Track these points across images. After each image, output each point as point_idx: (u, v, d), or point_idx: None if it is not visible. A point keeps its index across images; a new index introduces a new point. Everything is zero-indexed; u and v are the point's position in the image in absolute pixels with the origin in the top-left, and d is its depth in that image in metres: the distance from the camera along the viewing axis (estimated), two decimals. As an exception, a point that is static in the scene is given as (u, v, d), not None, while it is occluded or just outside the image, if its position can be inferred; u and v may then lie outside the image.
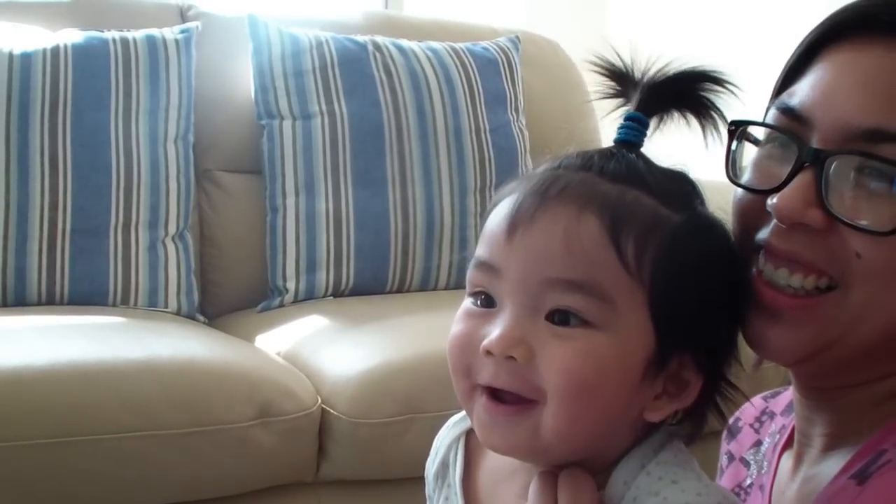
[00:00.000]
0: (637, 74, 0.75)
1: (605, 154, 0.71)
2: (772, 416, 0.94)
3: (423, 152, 2.07)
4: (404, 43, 2.15)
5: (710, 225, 0.74)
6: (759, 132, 0.80)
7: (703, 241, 0.71)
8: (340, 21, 2.23)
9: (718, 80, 0.75)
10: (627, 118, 0.74)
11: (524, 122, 2.22)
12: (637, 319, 0.68)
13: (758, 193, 0.76)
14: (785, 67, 0.80)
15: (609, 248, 0.67)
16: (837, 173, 0.72)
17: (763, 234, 0.76)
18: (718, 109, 0.76)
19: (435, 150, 2.08)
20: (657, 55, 0.76)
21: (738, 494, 0.91)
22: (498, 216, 0.70)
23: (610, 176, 0.69)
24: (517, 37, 2.30)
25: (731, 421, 0.97)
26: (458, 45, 2.19)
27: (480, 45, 2.23)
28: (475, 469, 0.79)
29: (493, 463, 0.77)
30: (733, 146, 0.79)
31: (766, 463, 0.90)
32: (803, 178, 0.72)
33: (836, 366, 0.76)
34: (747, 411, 0.96)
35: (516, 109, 2.22)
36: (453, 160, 2.09)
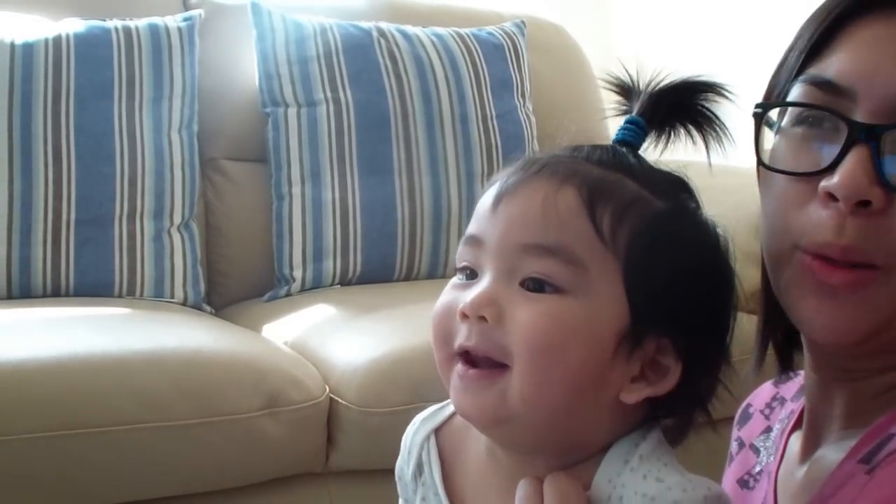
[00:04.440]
0: (641, 86, 0.76)
1: (597, 146, 0.73)
2: (782, 401, 0.93)
3: (429, 139, 2.06)
4: (409, 29, 2.14)
5: (696, 217, 0.73)
6: (777, 117, 0.76)
7: (685, 227, 0.71)
8: (344, 7, 2.22)
9: (718, 90, 0.75)
10: (627, 122, 0.75)
11: (531, 108, 2.21)
12: (610, 288, 0.68)
13: (808, 177, 0.72)
14: (805, 44, 0.76)
15: (583, 216, 0.68)
16: (891, 148, 0.69)
17: (812, 225, 0.72)
18: (719, 121, 0.75)
19: (441, 136, 2.07)
20: (661, 67, 0.76)
21: (747, 482, 0.90)
22: (486, 194, 0.73)
23: (596, 161, 0.71)
24: (523, 21, 2.29)
25: (742, 407, 0.96)
26: (463, 31, 2.18)
27: (486, 31, 2.21)
28: (450, 470, 0.79)
29: (471, 464, 0.77)
30: (760, 131, 0.76)
31: (774, 449, 0.89)
32: (859, 154, 0.69)
33: (882, 349, 0.73)
34: (758, 397, 0.95)
35: (523, 95, 2.20)
36: (460, 147, 2.08)
